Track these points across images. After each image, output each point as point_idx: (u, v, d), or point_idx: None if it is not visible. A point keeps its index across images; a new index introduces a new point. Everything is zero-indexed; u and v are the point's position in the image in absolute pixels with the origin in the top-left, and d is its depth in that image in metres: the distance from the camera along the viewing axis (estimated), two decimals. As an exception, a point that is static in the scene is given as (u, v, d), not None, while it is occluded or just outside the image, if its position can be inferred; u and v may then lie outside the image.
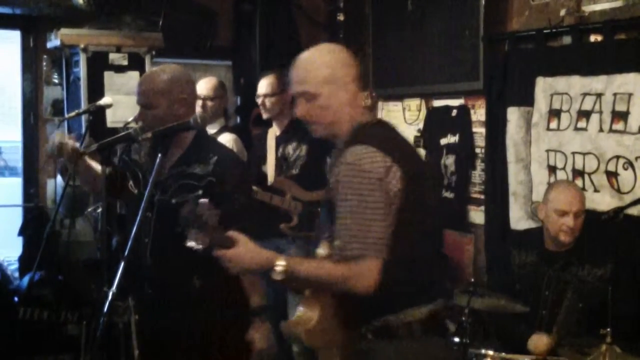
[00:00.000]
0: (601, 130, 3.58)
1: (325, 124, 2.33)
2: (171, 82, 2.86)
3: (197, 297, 2.82)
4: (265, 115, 4.40)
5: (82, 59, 4.39)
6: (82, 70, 4.39)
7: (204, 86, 4.36)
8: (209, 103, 4.42)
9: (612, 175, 3.54)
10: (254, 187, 3.86)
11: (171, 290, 2.84)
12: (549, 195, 3.38)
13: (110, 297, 2.27)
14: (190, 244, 2.17)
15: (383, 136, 2.32)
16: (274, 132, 4.45)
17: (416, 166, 2.31)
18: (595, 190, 3.60)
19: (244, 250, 2.20)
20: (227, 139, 4.33)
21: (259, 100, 4.38)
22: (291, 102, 4.35)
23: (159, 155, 2.60)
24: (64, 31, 4.46)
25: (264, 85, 4.34)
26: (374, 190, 2.16)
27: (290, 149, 4.34)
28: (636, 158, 3.43)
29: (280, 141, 4.39)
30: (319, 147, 4.30)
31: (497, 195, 4.17)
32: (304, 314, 2.31)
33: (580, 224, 3.29)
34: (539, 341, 3.14)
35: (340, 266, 2.17)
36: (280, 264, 2.18)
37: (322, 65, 2.31)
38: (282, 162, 4.37)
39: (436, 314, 2.30)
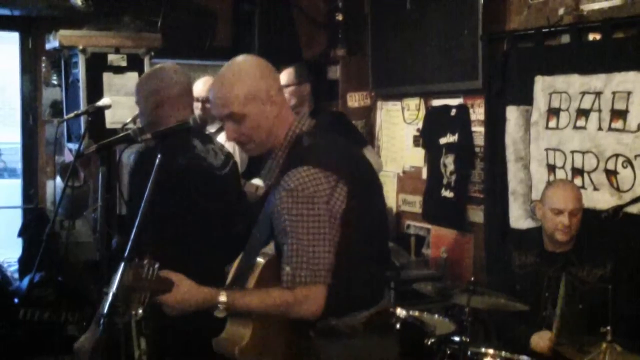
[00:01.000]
0: (600, 128, 3.58)
1: (260, 142, 2.24)
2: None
3: None
4: None
5: (81, 60, 4.38)
6: (81, 71, 4.38)
7: (202, 87, 4.34)
8: (208, 105, 4.42)
9: (611, 173, 3.54)
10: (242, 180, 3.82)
11: None
12: (546, 194, 3.38)
13: (110, 298, 2.27)
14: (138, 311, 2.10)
15: (324, 149, 2.23)
16: None
17: (360, 174, 2.26)
18: (595, 189, 3.61)
19: (184, 290, 2.10)
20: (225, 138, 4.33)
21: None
22: (307, 96, 4.36)
23: (159, 156, 2.61)
24: (62, 32, 4.46)
25: (284, 76, 4.30)
26: (320, 216, 2.10)
27: None
28: (635, 156, 3.43)
29: None
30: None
31: (496, 194, 4.18)
32: (234, 331, 2.20)
33: (577, 222, 3.28)
34: (542, 338, 3.14)
35: (286, 293, 2.12)
36: (222, 301, 2.11)
37: (240, 83, 2.19)
38: None
39: (379, 315, 2.28)
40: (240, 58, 2.29)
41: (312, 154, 2.19)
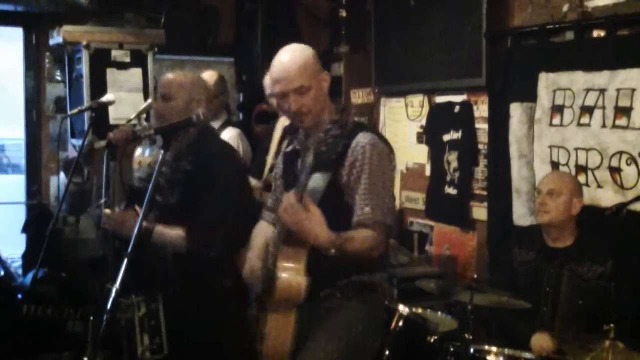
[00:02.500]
0: (604, 125, 3.57)
1: (315, 113, 2.57)
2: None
3: (227, 296, 2.87)
4: (280, 113, 4.31)
5: (85, 56, 4.39)
6: (84, 67, 4.39)
7: (208, 79, 4.34)
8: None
9: (615, 171, 3.53)
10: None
11: (199, 288, 2.87)
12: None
13: (113, 294, 2.28)
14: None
15: (370, 127, 2.74)
16: (282, 123, 4.36)
17: None
18: (599, 186, 3.60)
19: (317, 220, 2.34)
20: (230, 134, 4.31)
21: (271, 100, 4.30)
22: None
23: (161, 152, 2.62)
24: (66, 28, 4.46)
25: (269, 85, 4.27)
26: (387, 167, 2.55)
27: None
28: (639, 153, 3.42)
29: (289, 132, 4.30)
30: None
31: (499, 191, 4.17)
32: (292, 278, 2.42)
33: (559, 207, 3.30)
34: (542, 340, 3.14)
35: (372, 234, 2.44)
36: (338, 244, 2.36)
37: (305, 61, 2.57)
38: None
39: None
40: (293, 44, 2.66)
41: (362, 124, 2.70)
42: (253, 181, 4.28)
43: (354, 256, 2.43)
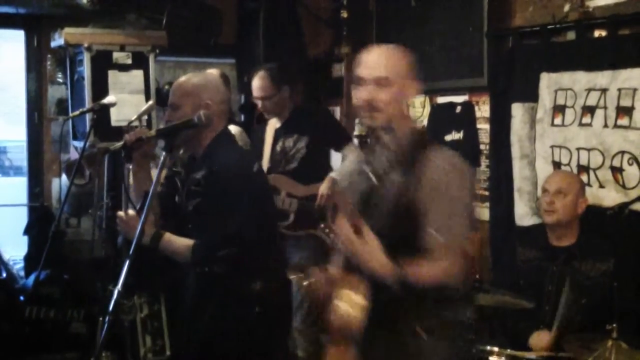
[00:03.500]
0: (606, 125, 3.57)
1: (388, 115, 2.32)
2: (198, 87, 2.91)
3: (256, 300, 2.85)
4: (266, 115, 4.37)
5: (86, 57, 4.39)
6: (86, 69, 4.39)
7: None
8: None
9: (617, 170, 3.53)
10: None
11: (214, 293, 2.85)
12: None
13: (116, 296, 2.28)
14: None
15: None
16: (273, 125, 4.38)
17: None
18: (600, 186, 3.60)
19: (371, 250, 2.17)
20: (233, 131, 4.33)
21: (256, 102, 4.33)
22: (289, 96, 4.32)
23: (164, 153, 2.62)
24: (67, 30, 4.46)
25: (257, 89, 4.27)
26: (464, 189, 2.30)
27: (290, 141, 4.27)
28: (641, 153, 3.42)
29: (280, 134, 4.32)
30: (320, 139, 4.26)
31: (501, 191, 4.17)
32: (347, 308, 2.21)
33: (566, 206, 3.30)
34: (539, 339, 3.15)
35: (443, 263, 2.21)
36: (399, 274, 2.17)
37: (401, 59, 2.39)
38: (281, 156, 4.29)
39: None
40: (397, 45, 2.48)
41: (445, 146, 2.48)
42: None
43: (423, 288, 2.21)
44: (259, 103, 4.31)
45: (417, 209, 2.24)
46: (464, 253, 2.26)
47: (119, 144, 2.82)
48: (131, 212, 2.77)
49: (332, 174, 4.11)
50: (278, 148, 4.29)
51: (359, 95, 2.34)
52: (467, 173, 2.36)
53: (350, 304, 2.20)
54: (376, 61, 2.36)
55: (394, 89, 2.32)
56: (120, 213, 2.79)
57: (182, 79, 2.98)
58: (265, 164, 4.31)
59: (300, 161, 4.22)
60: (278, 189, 4.20)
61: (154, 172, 3.03)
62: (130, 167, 2.94)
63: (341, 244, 2.22)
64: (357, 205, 2.24)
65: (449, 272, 2.22)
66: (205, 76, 3.03)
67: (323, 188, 4.11)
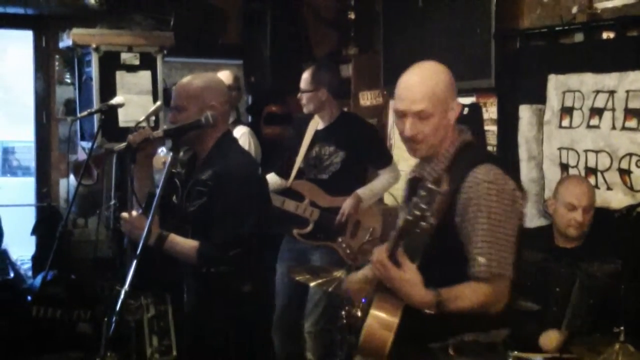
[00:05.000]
0: (614, 127, 3.56)
1: (432, 144, 2.30)
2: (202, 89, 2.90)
3: (245, 301, 2.86)
4: (304, 110, 4.30)
5: (94, 58, 4.40)
6: (94, 69, 4.40)
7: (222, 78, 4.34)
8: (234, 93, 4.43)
9: (624, 172, 3.52)
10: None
11: (215, 293, 2.86)
12: (560, 189, 3.38)
13: (123, 296, 2.29)
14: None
15: (493, 157, 2.44)
16: (316, 123, 4.27)
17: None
18: (608, 188, 3.58)
19: (409, 278, 2.11)
20: (241, 131, 4.33)
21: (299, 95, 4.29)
22: (327, 100, 4.26)
23: (170, 154, 2.63)
24: (75, 31, 4.48)
25: (301, 80, 4.22)
26: (511, 211, 2.20)
27: (327, 151, 4.16)
28: (649, 155, 3.41)
29: (319, 137, 4.21)
30: (358, 155, 4.15)
31: (508, 193, 4.15)
32: (379, 329, 2.18)
33: (589, 219, 3.28)
34: (550, 338, 3.13)
35: (485, 287, 2.16)
36: (439, 300, 2.12)
37: (436, 84, 2.27)
38: (315, 161, 4.19)
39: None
40: (429, 63, 2.35)
41: (487, 156, 2.39)
42: (277, 180, 4.27)
43: (462, 314, 2.15)
44: (299, 95, 4.25)
45: (461, 233, 2.20)
46: (508, 278, 2.19)
47: (123, 144, 2.83)
48: (135, 212, 2.77)
49: (359, 191, 4.09)
50: (314, 152, 4.18)
51: (402, 129, 2.31)
52: (510, 189, 2.23)
53: (381, 324, 2.17)
54: (414, 93, 2.27)
55: (435, 119, 2.26)
56: (125, 214, 2.79)
57: (185, 80, 2.97)
58: (299, 162, 4.24)
59: (332, 175, 4.13)
60: (303, 195, 4.16)
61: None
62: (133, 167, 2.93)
63: (376, 269, 2.16)
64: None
65: (491, 300, 2.17)
66: (209, 78, 3.02)
67: (347, 205, 4.05)
